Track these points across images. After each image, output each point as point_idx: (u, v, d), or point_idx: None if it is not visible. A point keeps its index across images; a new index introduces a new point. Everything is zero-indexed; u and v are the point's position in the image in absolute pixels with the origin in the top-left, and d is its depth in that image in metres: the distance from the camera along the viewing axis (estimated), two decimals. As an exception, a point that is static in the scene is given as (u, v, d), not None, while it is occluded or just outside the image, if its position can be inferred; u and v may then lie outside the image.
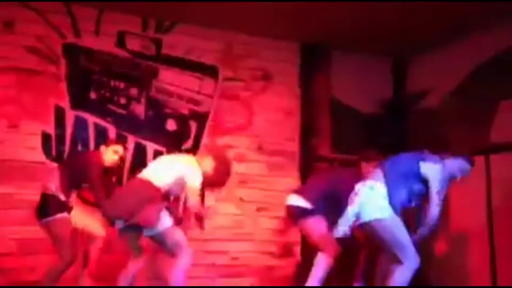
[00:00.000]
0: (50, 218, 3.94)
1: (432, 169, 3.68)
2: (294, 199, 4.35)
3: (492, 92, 5.05)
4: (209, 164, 4.06)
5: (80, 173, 4.05)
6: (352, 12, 4.96)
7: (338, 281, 4.52)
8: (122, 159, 4.41)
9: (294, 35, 5.65)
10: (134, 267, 3.82)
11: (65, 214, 3.99)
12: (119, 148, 4.28)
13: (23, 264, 4.41)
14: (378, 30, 5.43)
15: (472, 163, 3.90)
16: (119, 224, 3.78)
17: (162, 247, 3.89)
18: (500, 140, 4.93)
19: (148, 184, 3.79)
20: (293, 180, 5.58)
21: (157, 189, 3.78)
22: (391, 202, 3.58)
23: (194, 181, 3.87)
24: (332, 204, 4.13)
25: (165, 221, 3.79)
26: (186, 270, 3.82)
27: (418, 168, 3.68)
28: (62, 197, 4.01)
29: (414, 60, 6.10)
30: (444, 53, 5.66)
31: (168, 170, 3.91)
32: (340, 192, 4.02)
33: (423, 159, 3.73)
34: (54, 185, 4.02)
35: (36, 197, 4.13)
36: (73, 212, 4.08)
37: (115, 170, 4.51)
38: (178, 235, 3.84)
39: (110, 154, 4.21)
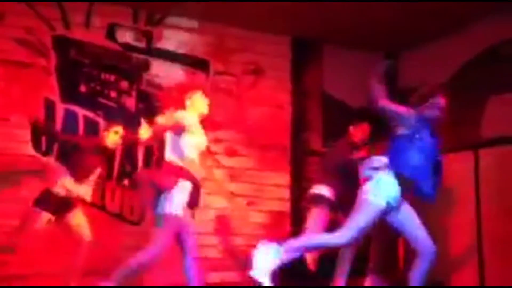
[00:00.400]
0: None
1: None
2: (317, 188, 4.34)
3: (482, 87, 5.08)
4: (201, 102, 3.83)
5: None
6: (344, 7, 4.96)
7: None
8: (123, 138, 4.35)
9: (286, 29, 5.64)
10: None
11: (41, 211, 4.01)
12: (119, 129, 4.28)
13: (13, 258, 4.38)
14: (370, 25, 5.43)
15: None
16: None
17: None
18: (489, 134, 4.97)
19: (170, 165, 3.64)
20: (284, 174, 5.60)
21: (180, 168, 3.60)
22: (407, 174, 3.31)
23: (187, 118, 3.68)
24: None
25: (172, 205, 3.52)
26: (144, 265, 3.56)
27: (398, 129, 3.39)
28: (61, 192, 4.02)
29: (405, 55, 6.11)
30: (435, 48, 5.68)
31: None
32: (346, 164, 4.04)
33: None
34: (55, 180, 4.06)
35: (26, 191, 4.18)
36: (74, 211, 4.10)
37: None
38: (167, 229, 3.56)
39: (111, 136, 4.23)
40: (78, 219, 4.13)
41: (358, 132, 4.44)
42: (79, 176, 4.07)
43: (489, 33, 5.06)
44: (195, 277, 3.64)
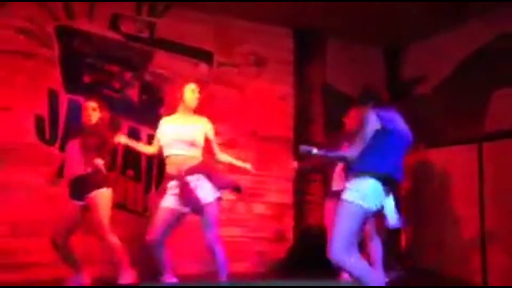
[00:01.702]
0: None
1: None
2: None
3: (485, 81, 5.09)
4: (189, 95, 3.79)
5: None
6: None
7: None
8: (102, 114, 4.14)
9: (290, 21, 5.63)
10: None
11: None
12: (94, 104, 4.09)
13: (17, 246, 4.40)
14: (373, 18, 5.43)
15: None
16: None
17: None
18: (494, 128, 4.98)
19: None
20: (286, 166, 5.60)
21: None
22: None
23: None
24: None
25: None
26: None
27: None
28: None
29: (408, 48, 6.12)
30: (438, 41, 5.69)
31: None
32: None
33: None
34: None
35: (29, 179, 4.30)
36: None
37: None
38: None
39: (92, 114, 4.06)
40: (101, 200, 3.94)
41: (350, 121, 4.39)
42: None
43: (491, 27, 5.07)
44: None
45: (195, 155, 3.70)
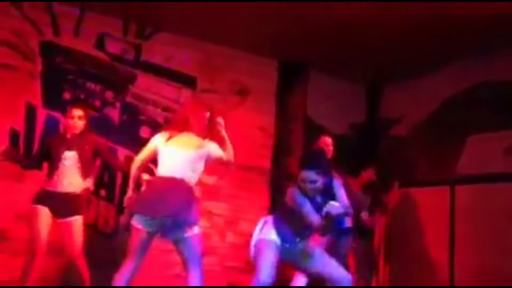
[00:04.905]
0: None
1: None
2: None
3: (461, 125, 5.21)
4: None
5: None
6: (332, 35, 5.06)
7: None
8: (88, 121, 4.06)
9: (274, 52, 5.70)
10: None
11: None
12: (80, 112, 3.98)
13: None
14: (357, 55, 5.54)
15: None
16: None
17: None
18: (466, 171, 5.07)
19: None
20: (263, 197, 5.59)
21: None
22: None
23: None
24: None
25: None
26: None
27: None
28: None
29: (389, 88, 6.23)
30: (418, 83, 5.81)
31: None
32: None
33: None
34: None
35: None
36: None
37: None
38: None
39: (78, 122, 3.97)
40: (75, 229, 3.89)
41: None
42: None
43: (469, 74, 5.22)
44: None
45: None
